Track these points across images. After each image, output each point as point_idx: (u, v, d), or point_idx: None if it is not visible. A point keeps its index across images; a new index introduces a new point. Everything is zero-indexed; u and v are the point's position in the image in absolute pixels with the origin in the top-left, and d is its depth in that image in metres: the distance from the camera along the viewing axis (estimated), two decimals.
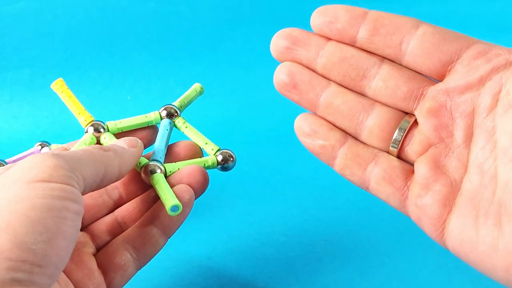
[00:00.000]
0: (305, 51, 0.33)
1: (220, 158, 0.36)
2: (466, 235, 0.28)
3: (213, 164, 0.37)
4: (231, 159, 0.37)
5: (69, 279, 0.31)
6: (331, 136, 0.33)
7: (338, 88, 0.33)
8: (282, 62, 0.34)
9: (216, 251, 0.45)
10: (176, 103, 0.40)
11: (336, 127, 0.33)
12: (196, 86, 0.41)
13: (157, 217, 0.33)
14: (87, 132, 0.37)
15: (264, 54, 0.79)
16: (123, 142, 0.34)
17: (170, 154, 0.38)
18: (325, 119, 0.33)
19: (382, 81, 0.32)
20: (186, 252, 0.45)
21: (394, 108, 0.32)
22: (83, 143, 0.36)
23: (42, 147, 0.49)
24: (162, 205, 0.33)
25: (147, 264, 0.34)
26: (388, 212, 0.42)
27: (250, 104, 0.75)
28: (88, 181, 0.28)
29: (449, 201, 0.29)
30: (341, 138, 0.33)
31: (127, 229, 0.35)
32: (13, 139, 0.69)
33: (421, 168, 0.30)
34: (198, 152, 0.37)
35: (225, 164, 0.37)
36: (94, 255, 0.33)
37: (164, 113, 0.38)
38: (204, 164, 0.36)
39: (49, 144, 0.49)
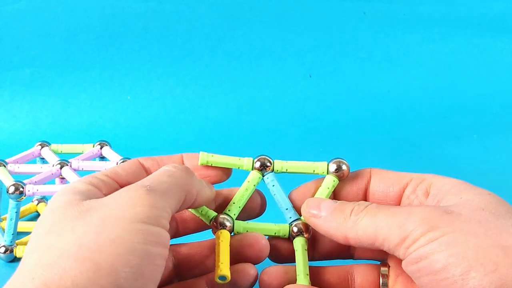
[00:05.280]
0: None
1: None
2: None
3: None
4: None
5: None
6: None
7: None
8: None
9: None
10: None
11: None
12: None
13: (211, 279, 0.34)
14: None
15: (264, 54, 0.79)
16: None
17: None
18: None
19: None
20: None
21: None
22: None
23: (42, 147, 0.49)
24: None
25: None
26: None
27: (250, 104, 0.75)
28: (173, 211, 0.30)
29: None
30: None
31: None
32: (13, 139, 0.69)
33: None
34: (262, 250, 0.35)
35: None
36: None
37: (257, 164, 0.36)
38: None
39: (49, 144, 0.49)
